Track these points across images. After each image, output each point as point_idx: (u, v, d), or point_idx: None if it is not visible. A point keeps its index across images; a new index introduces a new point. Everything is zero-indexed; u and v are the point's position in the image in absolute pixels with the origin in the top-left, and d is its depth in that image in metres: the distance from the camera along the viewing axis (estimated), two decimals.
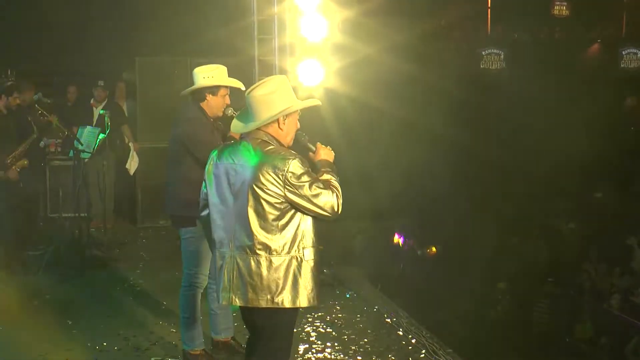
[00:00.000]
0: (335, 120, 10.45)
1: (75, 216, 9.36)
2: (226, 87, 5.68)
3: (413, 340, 6.72)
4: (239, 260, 4.20)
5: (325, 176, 4.24)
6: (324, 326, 7.12)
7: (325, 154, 4.43)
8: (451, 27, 16.54)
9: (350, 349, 6.50)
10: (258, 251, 4.14)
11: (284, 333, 4.37)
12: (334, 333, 6.93)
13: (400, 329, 7.04)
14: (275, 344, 4.32)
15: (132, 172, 11.66)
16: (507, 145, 13.70)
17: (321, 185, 4.15)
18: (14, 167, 8.98)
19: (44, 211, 11.27)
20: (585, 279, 11.55)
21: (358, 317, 7.45)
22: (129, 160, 11.61)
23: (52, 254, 9.26)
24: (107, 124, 10.10)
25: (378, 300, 8.08)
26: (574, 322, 10.63)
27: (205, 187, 4.39)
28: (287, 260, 4.16)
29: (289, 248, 4.16)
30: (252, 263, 4.16)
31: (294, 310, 4.30)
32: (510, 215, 12.50)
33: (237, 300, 4.23)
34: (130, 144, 11.59)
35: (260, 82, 4.30)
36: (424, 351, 6.46)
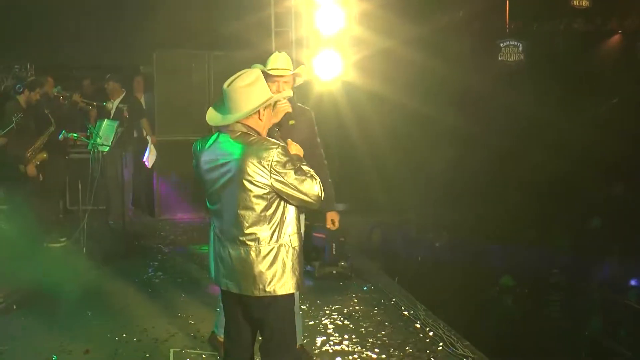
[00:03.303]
0: (352, 114, 10.48)
1: (94, 209, 9.44)
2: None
3: (431, 333, 6.74)
4: (230, 250, 4.29)
5: (303, 167, 4.31)
6: (342, 318, 7.15)
7: (296, 149, 4.49)
8: (469, 19, 16.48)
9: (368, 342, 6.53)
10: (247, 242, 4.23)
11: (285, 320, 4.42)
12: (351, 325, 6.96)
13: (418, 322, 7.06)
14: (280, 334, 4.38)
15: (150, 165, 11.74)
16: (525, 139, 13.66)
17: (304, 173, 4.24)
18: (33, 161, 9.10)
19: (64, 204, 11.39)
20: (607, 273, 11.49)
21: (375, 310, 7.47)
22: (146, 153, 11.68)
23: (72, 246, 9.37)
24: (125, 117, 10.18)
25: (395, 292, 8.10)
26: (592, 316, 10.60)
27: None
28: (275, 249, 4.25)
29: (277, 237, 4.25)
30: (242, 254, 4.25)
31: (289, 297, 4.37)
32: (529, 210, 12.47)
33: (231, 287, 4.32)
34: (148, 137, 11.67)
35: (238, 74, 4.28)
36: (441, 344, 6.47)
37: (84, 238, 9.21)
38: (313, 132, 5.73)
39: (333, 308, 7.46)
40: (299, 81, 5.61)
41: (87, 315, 7.12)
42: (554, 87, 14.42)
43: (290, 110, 5.39)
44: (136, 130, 11.66)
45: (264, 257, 4.23)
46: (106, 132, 9.62)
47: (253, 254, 4.23)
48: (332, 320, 7.11)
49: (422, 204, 12.22)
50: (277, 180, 4.15)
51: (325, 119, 5.58)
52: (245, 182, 4.15)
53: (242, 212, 4.20)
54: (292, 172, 4.18)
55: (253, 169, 4.13)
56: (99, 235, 9.22)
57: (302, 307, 7.16)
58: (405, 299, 7.84)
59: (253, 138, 4.24)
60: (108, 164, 10.10)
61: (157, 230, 11.13)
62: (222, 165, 4.22)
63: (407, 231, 12.02)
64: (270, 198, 4.20)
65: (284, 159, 4.17)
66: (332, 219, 5.94)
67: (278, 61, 5.48)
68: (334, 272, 8.58)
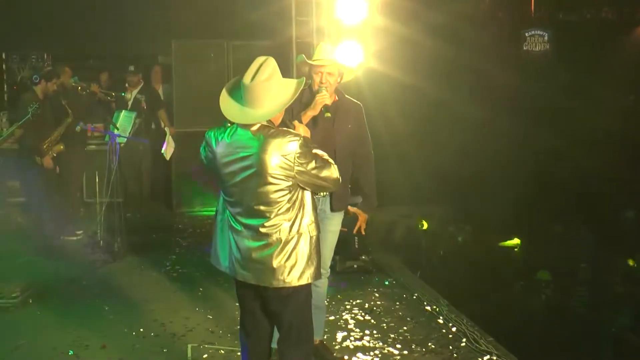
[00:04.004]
0: (374, 102, 10.41)
1: (111, 201, 9.45)
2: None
3: (453, 329, 6.69)
4: (249, 241, 4.26)
5: (318, 152, 4.32)
6: (363, 314, 7.11)
7: (304, 131, 4.47)
8: (494, 7, 16.34)
9: (390, 337, 6.48)
10: (269, 233, 4.21)
11: (303, 312, 4.43)
12: (372, 321, 6.92)
13: (440, 317, 7.01)
14: (298, 326, 4.39)
15: (168, 157, 11.72)
16: (551, 131, 13.53)
17: (321, 160, 4.28)
18: (50, 153, 9.10)
19: (81, 197, 11.42)
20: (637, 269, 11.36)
21: (397, 305, 7.43)
22: (165, 145, 11.66)
23: (89, 239, 9.38)
24: (143, 108, 10.17)
25: (417, 287, 8.05)
26: (620, 312, 10.49)
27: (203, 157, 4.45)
28: (295, 238, 4.25)
29: (298, 226, 4.25)
30: (263, 244, 4.23)
31: (307, 287, 4.38)
32: (557, 203, 12.35)
33: (249, 278, 4.30)
34: (166, 129, 11.65)
35: (256, 67, 4.18)
36: (464, 340, 6.42)
37: (100, 231, 9.22)
38: (361, 128, 5.64)
39: (354, 303, 7.43)
40: (346, 77, 5.57)
41: (103, 309, 7.13)
42: (580, 78, 14.26)
43: (328, 102, 5.33)
44: (154, 122, 11.65)
45: (284, 247, 4.23)
46: (124, 123, 9.62)
47: (274, 244, 4.22)
48: (352, 315, 7.07)
49: (444, 196, 12.15)
50: (299, 172, 4.16)
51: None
52: (268, 176, 4.13)
53: (263, 204, 4.18)
54: (313, 161, 4.20)
55: (276, 162, 4.11)
56: (116, 228, 9.21)
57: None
58: (428, 293, 7.80)
59: (273, 130, 4.21)
60: (125, 156, 10.10)
61: (175, 223, 11.13)
62: (243, 159, 4.18)
63: (429, 224, 11.94)
64: (292, 189, 4.19)
65: (306, 149, 4.17)
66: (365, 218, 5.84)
67: (322, 52, 5.45)
68: (355, 266, 8.54)
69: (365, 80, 8.65)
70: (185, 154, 11.46)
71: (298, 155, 4.13)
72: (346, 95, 5.65)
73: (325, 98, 5.30)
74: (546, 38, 16.40)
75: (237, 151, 4.20)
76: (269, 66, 4.21)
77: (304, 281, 4.29)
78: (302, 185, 4.24)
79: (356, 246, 8.54)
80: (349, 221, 5.86)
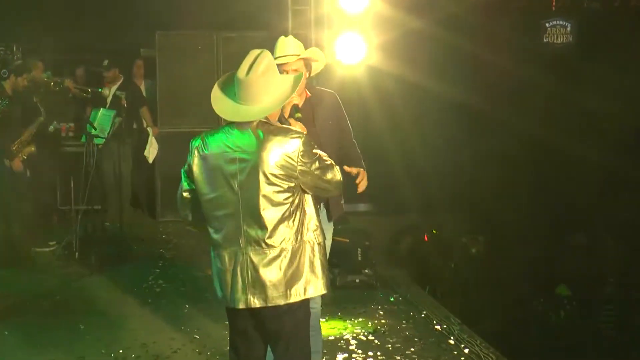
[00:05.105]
0: (378, 102, 10.43)
1: (88, 209, 9.46)
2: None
3: (466, 350, 6.70)
4: (252, 256, 4.21)
5: (316, 150, 4.31)
6: (366, 333, 7.12)
7: (301, 129, 4.52)
8: None
9: (395, 359, 6.50)
10: (273, 242, 4.19)
11: (302, 329, 4.41)
12: (376, 341, 6.92)
13: (452, 337, 7.02)
14: (296, 345, 4.36)
15: (151, 160, 11.74)
16: (574, 132, 13.53)
17: (324, 160, 4.28)
18: (20, 155, 9.11)
19: (55, 204, 11.42)
20: None
21: (404, 324, 7.44)
22: (147, 147, 11.68)
23: (63, 250, 9.39)
24: (124, 106, 10.18)
25: (426, 304, 8.07)
26: None
27: (186, 181, 4.41)
28: (301, 247, 4.24)
29: (302, 233, 4.25)
30: (268, 257, 4.20)
31: (307, 302, 4.36)
32: (579, 211, 12.37)
33: (255, 301, 4.24)
34: (149, 129, 11.67)
35: (251, 61, 4.19)
36: None
37: (76, 242, 9.24)
38: (340, 117, 5.60)
39: (356, 322, 7.43)
40: (317, 67, 5.52)
41: (79, 328, 7.13)
42: (607, 73, 14.27)
43: (297, 102, 5.29)
44: (135, 121, 11.66)
45: (292, 258, 4.21)
46: (102, 122, 9.62)
47: (281, 255, 4.19)
48: (354, 335, 7.07)
49: (455, 204, 12.16)
50: (302, 171, 4.16)
51: (348, 107, 5.52)
52: (270, 176, 4.12)
53: (265, 210, 4.15)
54: (317, 161, 4.21)
55: (278, 160, 4.11)
56: (93, 238, 9.23)
57: (321, 320, 7.11)
58: (437, 311, 7.81)
59: (272, 127, 4.21)
60: (104, 158, 10.12)
61: (159, 233, 11.16)
62: (242, 160, 4.15)
63: (439, 235, 11.96)
64: (295, 192, 4.20)
65: (309, 147, 4.19)
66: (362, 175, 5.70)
67: (285, 47, 5.39)
68: (358, 280, 8.55)
69: (366, 78, 8.69)
70: (169, 156, 11.48)
71: (302, 153, 4.14)
72: (317, 87, 5.63)
73: (293, 98, 5.22)
74: (569, 29, 16.40)
75: (235, 152, 4.18)
76: (265, 59, 4.22)
77: (315, 293, 4.28)
78: (303, 188, 4.25)
79: (359, 258, 8.56)
80: (352, 231, 5.89)
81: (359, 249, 8.53)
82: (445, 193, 11.77)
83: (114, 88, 11.00)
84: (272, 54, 5.05)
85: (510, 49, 13.96)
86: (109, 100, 10.85)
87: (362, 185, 5.56)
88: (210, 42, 11.71)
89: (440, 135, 12.60)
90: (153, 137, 11.63)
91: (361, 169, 5.51)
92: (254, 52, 4.24)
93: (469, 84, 12.71)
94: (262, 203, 4.15)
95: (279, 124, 4.33)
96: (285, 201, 4.17)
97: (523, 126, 12.71)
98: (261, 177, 4.13)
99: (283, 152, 4.12)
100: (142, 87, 12.22)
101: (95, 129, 9.35)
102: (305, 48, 5.48)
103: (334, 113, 5.56)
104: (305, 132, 4.30)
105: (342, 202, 5.67)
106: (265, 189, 4.14)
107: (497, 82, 13.34)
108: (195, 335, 6.94)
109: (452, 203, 12.04)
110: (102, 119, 9.68)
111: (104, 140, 9.53)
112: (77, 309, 7.63)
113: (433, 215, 11.84)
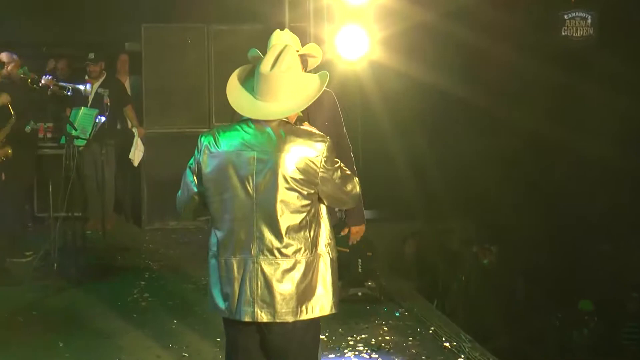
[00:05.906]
0: (381, 100, 10.42)
1: (68, 216, 9.43)
2: None
3: None
4: (264, 266, 4.17)
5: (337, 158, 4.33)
6: (369, 351, 7.10)
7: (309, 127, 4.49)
8: None
9: None
10: (288, 252, 4.15)
11: (310, 348, 4.40)
12: (380, 359, 6.91)
13: (462, 355, 7.01)
14: None
15: (136, 163, 11.72)
16: (594, 133, 13.54)
17: (345, 170, 4.30)
18: None
19: (31, 210, 11.40)
20: None
21: (410, 341, 7.42)
22: (132, 149, 11.65)
23: (41, 261, 9.36)
24: (107, 104, 10.16)
25: (434, 319, 8.06)
26: None
27: (194, 181, 4.33)
28: (315, 261, 4.22)
29: (317, 246, 4.24)
30: (281, 268, 4.16)
31: (318, 319, 4.34)
32: (600, 220, 12.36)
33: (262, 315, 4.20)
34: (134, 129, 11.64)
35: (274, 55, 4.19)
36: None
37: (55, 252, 9.20)
38: (337, 119, 5.62)
39: (358, 338, 7.41)
40: (313, 63, 5.50)
41: (58, 346, 7.09)
42: (630, 69, 14.28)
43: None
44: (119, 121, 11.65)
45: (305, 271, 4.18)
46: (83, 122, 9.61)
47: (295, 268, 4.16)
48: (357, 352, 7.05)
49: (465, 210, 12.17)
50: (323, 179, 4.15)
51: (349, 105, 5.49)
52: (290, 180, 4.10)
53: (282, 216, 4.13)
54: (339, 170, 4.22)
55: (299, 164, 4.09)
56: (73, 248, 9.20)
57: (321, 337, 7.09)
58: (446, 327, 7.81)
59: (293, 127, 4.21)
60: (85, 161, 10.09)
61: (145, 242, 11.14)
62: (260, 160, 4.12)
63: (447, 244, 11.97)
64: (313, 199, 4.19)
65: (333, 152, 4.19)
66: (357, 231, 5.84)
67: (280, 41, 5.36)
68: (360, 293, 8.54)
69: (369, 74, 8.68)
70: (157, 159, 11.47)
71: (325, 159, 4.12)
72: None
73: None
74: (589, 21, 16.40)
75: (252, 151, 4.16)
76: (289, 55, 4.22)
77: (324, 311, 4.25)
78: (320, 196, 4.23)
79: (360, 270, 8.55)
80: (355, 245, 5.88)
81: (360, 260, 8.52)
82: (455, 198, 11.78)
83: (96, 85, 10.98)
84: (267, 47, 5.07)
85: (525, 43, 13.95)
86: (90, 98, 10.82)
87: (354, 239, 5.70)
88: (200, 36, 11.69)
89: (446, 136, 12.62)
90: (139, 139, 11.59)
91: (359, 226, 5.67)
92: (277, 47, 4.25)
93: (478, 82, 12.73)
94: (280, 208, 4.12)
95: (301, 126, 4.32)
96: (303, 209, 4.15)
97: (538, 127, 12.71)
98: (280, 181, 4.10)
99: (305, 155, 4.10)
100: (127, 84, 12.20)
101: (75, 130, 9.31)
102: (304, 42, 5.45)
103: (329, 113, 5.55)
104: (328, 137, 4.24)
105: (337, 209, 5.66)
106: (284, 193, 4.10)
107: (509, 80, 13.35)
108: (184, 353, 6.91)
109: (462, 209, 12.05)
110: (84, 119, 9.67)
111: (86, 141, 9.49)
112: (55, 326, 7.60)
113: (441, 222, 11.85)
